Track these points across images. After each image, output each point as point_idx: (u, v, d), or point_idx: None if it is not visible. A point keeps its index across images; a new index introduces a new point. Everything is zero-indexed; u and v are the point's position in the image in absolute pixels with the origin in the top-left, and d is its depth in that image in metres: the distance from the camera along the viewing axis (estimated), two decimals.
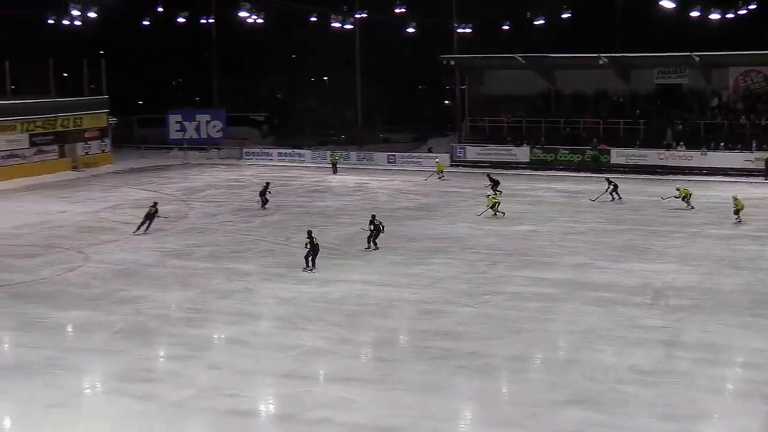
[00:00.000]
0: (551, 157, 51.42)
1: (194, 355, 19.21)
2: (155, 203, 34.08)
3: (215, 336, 21.03)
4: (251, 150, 59.33)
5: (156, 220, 33.11)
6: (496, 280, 25.56)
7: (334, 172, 50.98)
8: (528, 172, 50.17)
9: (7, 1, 60.03)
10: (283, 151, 58.64)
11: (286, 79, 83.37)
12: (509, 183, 45.79)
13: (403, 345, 20.67)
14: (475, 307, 22.74)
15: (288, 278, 25.81)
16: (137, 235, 32.32)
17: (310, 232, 27.25)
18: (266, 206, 38.26)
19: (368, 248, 29.50)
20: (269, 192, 38.78)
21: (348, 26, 62.77)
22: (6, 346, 20.61)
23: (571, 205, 38.39)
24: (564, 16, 60.64)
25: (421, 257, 28.54)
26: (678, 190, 37.31)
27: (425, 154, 56.60)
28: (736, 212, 33.73)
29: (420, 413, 16.02)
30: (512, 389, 17.57)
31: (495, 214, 35.48)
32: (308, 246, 26.88)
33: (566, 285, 24.83)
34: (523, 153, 52.13)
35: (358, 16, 62.65)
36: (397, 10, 61.73)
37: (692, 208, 36.24)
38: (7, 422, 16.36)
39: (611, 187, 38.98)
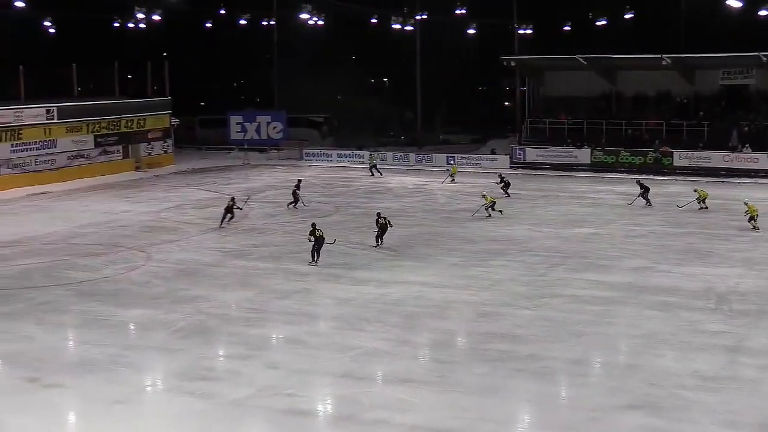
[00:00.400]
0: (612, 159, 50.82)
1: (253, 354, 19.36)
2: (233, 198, 35.18)
3: (274, 336, 21.18)
4: (311, 151, 59.65)
5: (236, 212, 34.39)
6: (555, 283, 25.33)
7: (372, 174, 50.49)
8: (588, 174, 49.68)
9: (74, 5, 61.26)
10: (342, 152, 58.80)
11: (345, 80, 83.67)
12: (569, 185, 45.53)
13: (461, 347, 20.60)
14: (533, 309, 22.58)
15: (346, 279, 25.89)
16: (222, 228, 33.65)
17: (314, 225, 28.00)
18: (299, 204, 38.55)
19: (377, 245, 30.10)
20: (298, 189, 39.33)
21: (408, 27, 62.88)
22: (71, 343, 20.95)
23: (632, 208, 37.88)
24: (627, 16, 60.05)
25: (480, 259, 28.44)
26: (696, 191, 37.08)
27: (485, 156, 56.32)
28: (752, 219, 32.51)
29: (478, 415, 15.94)
30: (571, 393, 17.39)
31: (489, 215, 35.64)
32: (312, 239, 27.50)
33: (627, 288, 24.53)
34: (583, 155, 51.61)
35: (418, 17, 62.70)
36: (458, 11, 61.81)
37: (706, 208, 36.43)
38: (72, 417, 16.69)
39: (642, 190, 38.55)
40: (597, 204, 39.57)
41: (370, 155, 54.13)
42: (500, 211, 35.84)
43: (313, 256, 27.64)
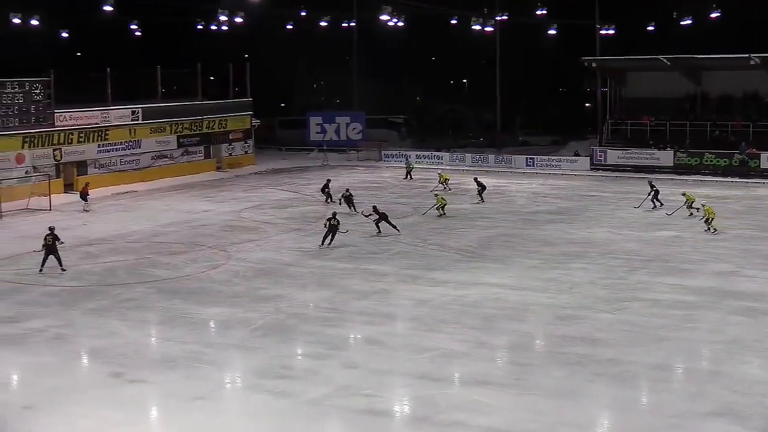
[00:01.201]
0: (696, 161, 49.84)
1: (331, 354, 19.47)
2: (347, 189, 38.60)
3: (352, 336, 21.28)
4: (390, 152, 59.69)
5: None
6: (636, 287, 24.94)
7: (409, 177, 49.62)
8: (671, 176, 48.75)
9: (158, 9, 62.44)
10: (421, 153, 58.74)
11: (425, 81, 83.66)
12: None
13: (540, 350, 20.42)
14: (613, 313, 22.27)
15: (424, 280, 25.88)
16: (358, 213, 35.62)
17: (334, 214, 31.30)
18: (332, 200, 39.79)
19: (398, 233, 32.34)
20: (328, 189, 40.92)
21: (488, 29, 62.56)
22: (153, 339, 21.37)
23: (717, 211, 37.01)
24: (713, 15, 58.77)
25: (559, 262, 28.16)
26: (684, 195, 36.50)
27: (565, 157, 55.71)
28: (707, 221, 32.62)
29: (556, 419, 15.79)
30: (652, 399, 17.08)
31: (442, 214, 36.29)
32: (327, 226, 30.48)
33: (711, 293, 24.03)
34: (666, 157, 50.69)
35: (498, 18, 62.34)
36: (539, 12, 61.27)
37: (693, 214, 35.24)
38: (154, 412, 17.01)
39: (653, 192, 37.86)
40: (680, 207, 38.74)
41: (407, 159, 53.80)
42: (441, 213, 36.40)
43: (323, 241, 30.45)
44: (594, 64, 56.26)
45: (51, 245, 27.13)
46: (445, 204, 36.74)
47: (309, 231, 33.69)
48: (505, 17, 62.81)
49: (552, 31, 63.15)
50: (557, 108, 75.28)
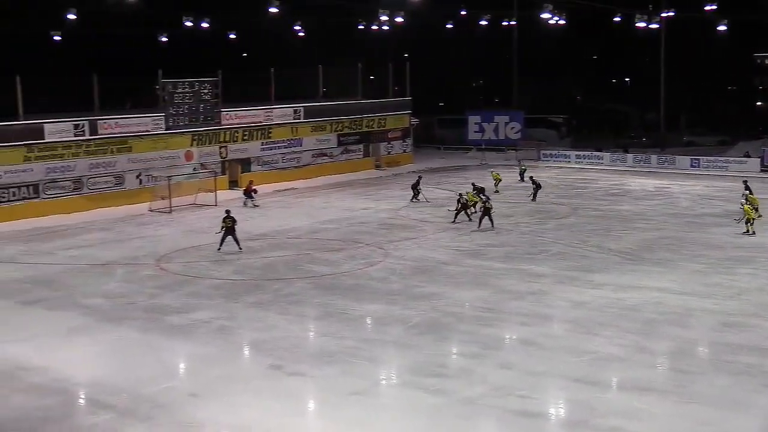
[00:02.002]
0: None
1: (486, 353, 19.40)
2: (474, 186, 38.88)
3: (507, 336, 21.12)
4: (549, 151, 58.94)
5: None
6: None
7: (522, 179, 48.18)
8: None
9: (320, 10, 63.77)
10: (581, 153, 57.78)
11: (586, 80, 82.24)
12: None
13: (702, 357, 19.72)
14: None
15: (582, 282, 25.43)
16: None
17: (488, 197, 34.49)
18: (417, 198, 40.96)
19: (454, 221, 34.84)
20: (419, 187, 41.60)
21: (653, 25, 60.92)
22: (312, 334, 21.83)
23: None
24: None
25: (725, 266, 27.13)
26: (744, 194, 34.70)
27: (733, 158, 53.57)
28: (748, 222, 31.46)
29: (719, 430, 15.23)
30: None
31: (474, 212, 35.60)
32: (482, 209, 33.52)
33: None
34: None
35: (664, 15, 60.59)
36: (708, 8, 59.18)
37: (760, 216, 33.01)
38: (311, 405, 17.36)
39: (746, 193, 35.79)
40: None
41: (520, 162, 52.82)
42: (473, 212, 35.59)
43: (479, 223, 33.33)
44: (767, 61, 53.92)
45: (230, 227, 29.96)
46: (476, 203, 36.06)
47: (466, 230, 33.66)
48: (672, 14, 61.04)
49: (722, 27, 60.86)
50: (726, 107, 72.56)
